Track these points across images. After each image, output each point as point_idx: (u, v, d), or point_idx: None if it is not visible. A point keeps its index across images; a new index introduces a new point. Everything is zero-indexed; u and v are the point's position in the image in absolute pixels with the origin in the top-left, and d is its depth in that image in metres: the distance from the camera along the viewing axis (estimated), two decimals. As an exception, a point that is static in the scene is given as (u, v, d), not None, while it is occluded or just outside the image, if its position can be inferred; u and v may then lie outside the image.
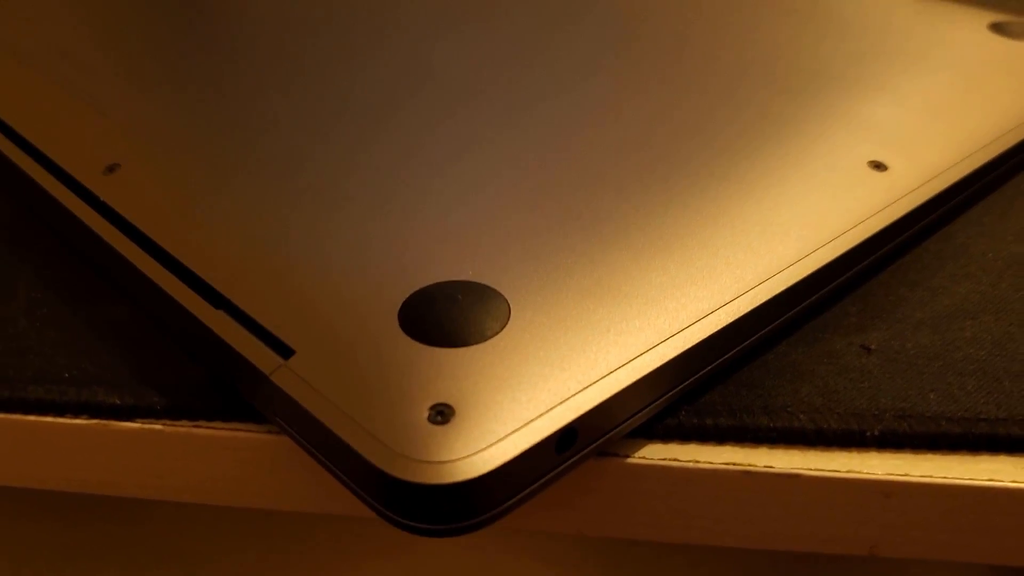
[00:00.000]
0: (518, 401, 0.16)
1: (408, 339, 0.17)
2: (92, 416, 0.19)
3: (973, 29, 0.30)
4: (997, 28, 0.30)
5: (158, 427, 0.18)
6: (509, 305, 0.17)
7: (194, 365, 0.19)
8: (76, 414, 0.19)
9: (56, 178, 0.23)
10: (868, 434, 0.18)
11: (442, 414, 0.15)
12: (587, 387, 0.16)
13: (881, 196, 0.21)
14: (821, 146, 0.23)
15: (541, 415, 0.15)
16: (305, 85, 0.25)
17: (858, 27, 0.29)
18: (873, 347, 0.19)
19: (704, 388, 0.18)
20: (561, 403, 0.16)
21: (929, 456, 0.17)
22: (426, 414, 0.15)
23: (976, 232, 0.23)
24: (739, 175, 0.21)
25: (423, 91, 0.25)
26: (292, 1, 0.31)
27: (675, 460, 0.18)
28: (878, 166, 0.22)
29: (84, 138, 0.24)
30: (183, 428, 0.18)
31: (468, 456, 0.15)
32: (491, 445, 0.15)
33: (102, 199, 0.21)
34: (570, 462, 0.16)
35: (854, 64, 0.27)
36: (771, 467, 0.17)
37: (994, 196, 0.25)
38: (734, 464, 0.17)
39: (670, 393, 0.17)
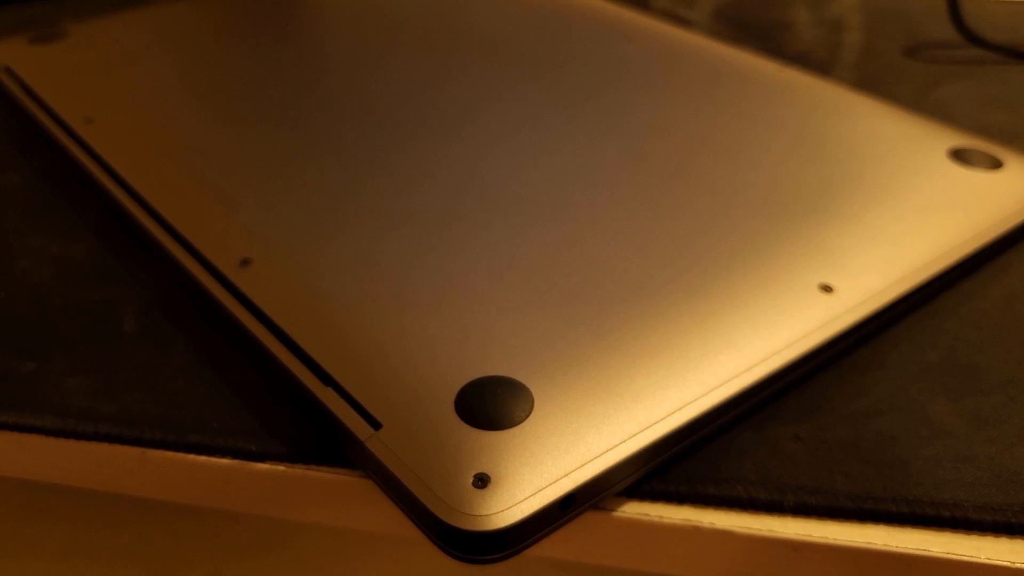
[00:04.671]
0: (534, 474, 0.22)
1: (461, 422, 0.24)
2: (234, 458, 0.26)
3: (933, 156, 0.36)
4: (956, 155, 0.36)
5: (282, 468, 0.25)
6: (534, 398, 0.24)
7: (307, 424, 0.27)
8: (223, 455, 0.26)
9: (201, 265, 0.30)
10: (786, 504, 0.24)
11: (482, 480, 0.22)
12: (583, 465, 0.23)
13: (823, 315, 0.28)
14: (781, 270, 0.29)
15: (550, 484, 0.22)
16: (395, 194, 0.32)
17: (834, 152, 0.35)
18: (802, 436, 0.26)
19: (671, 463, 0.25)
20: (564, 476, 0.23)
21: (829, 523, 0.24)
22: (471, 480, 0.22)
23: (905, 338, 0.30)
24: (714, 294, 0.28)
25: (487, 208, 0.32)
26: (401, 106, 0.38)
27: (646, 515, 0.24)
28: (826, 288, 0.29)
29: (220, 232, 0.31)
30: (299, 470, 0.25)
31: (498, 512, 0.22)
32: (514, 505, 0.22)
33: (241, 290, 0.29)
34: (569, 516, 0.23)
35: (822, 191, 0.33)
36: (714, 524, 0.24)
37: (924, 309, 0.31)
38: (688, 520, 0.24)
39: (644, 468, 0.24)
